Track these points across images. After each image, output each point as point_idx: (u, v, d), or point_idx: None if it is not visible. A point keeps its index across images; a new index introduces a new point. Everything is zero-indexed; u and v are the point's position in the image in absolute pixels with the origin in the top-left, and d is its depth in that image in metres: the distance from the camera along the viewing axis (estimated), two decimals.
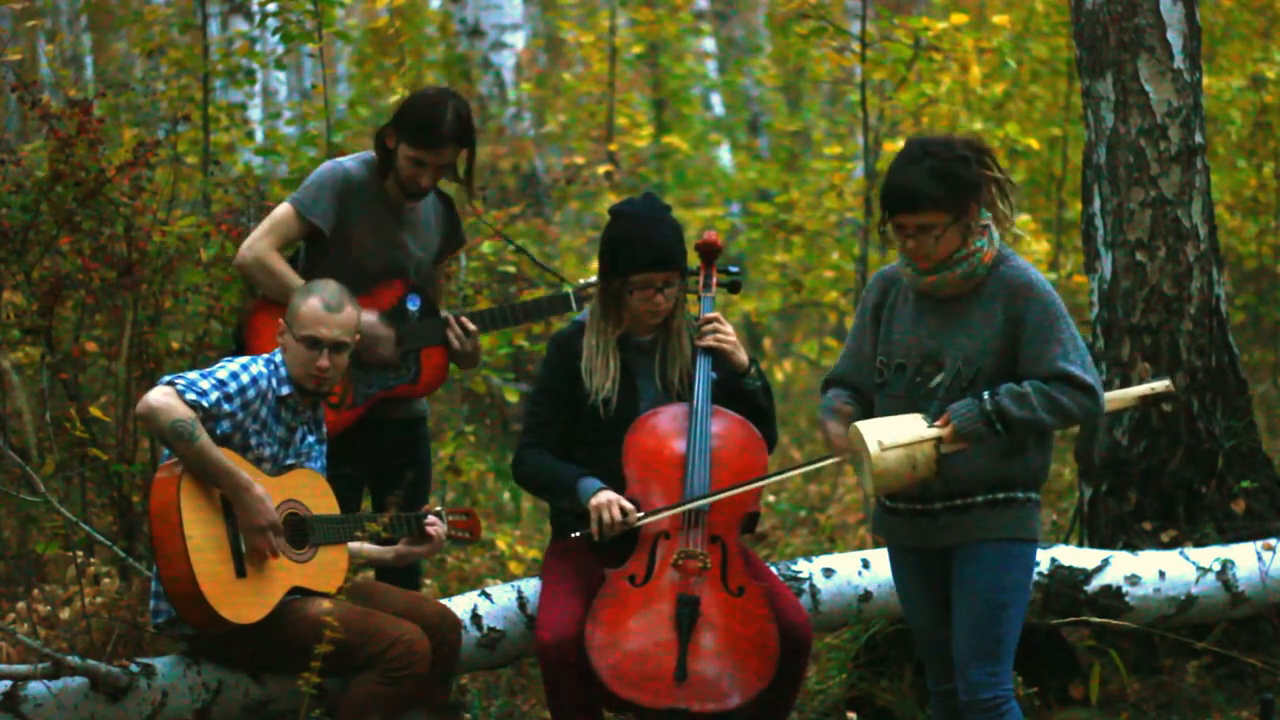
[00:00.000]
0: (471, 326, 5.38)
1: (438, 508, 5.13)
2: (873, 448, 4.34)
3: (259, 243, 5.27)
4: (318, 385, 4.87)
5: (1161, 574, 5.71)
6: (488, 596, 5.29)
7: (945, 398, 4.42)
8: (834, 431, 4.56)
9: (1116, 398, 4.93)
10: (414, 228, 5.43)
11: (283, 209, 5.33)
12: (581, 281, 5.52)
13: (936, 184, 4.33)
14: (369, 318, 5.25)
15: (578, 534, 4.95)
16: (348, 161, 5.39)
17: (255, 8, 9.04)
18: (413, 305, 5.39)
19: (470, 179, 5.43)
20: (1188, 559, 5.75)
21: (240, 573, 4.66)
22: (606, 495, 4.92)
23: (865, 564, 5.58)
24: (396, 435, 5.43)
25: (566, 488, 4.99)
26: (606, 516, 4.88)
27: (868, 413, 4.59)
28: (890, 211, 4.39)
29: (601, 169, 10.99)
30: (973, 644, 4.43)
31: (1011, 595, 4.44)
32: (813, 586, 5.50)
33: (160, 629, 4.89)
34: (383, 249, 5.35)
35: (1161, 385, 4.85)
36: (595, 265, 5.24)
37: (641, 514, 4.91)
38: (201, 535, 4.62)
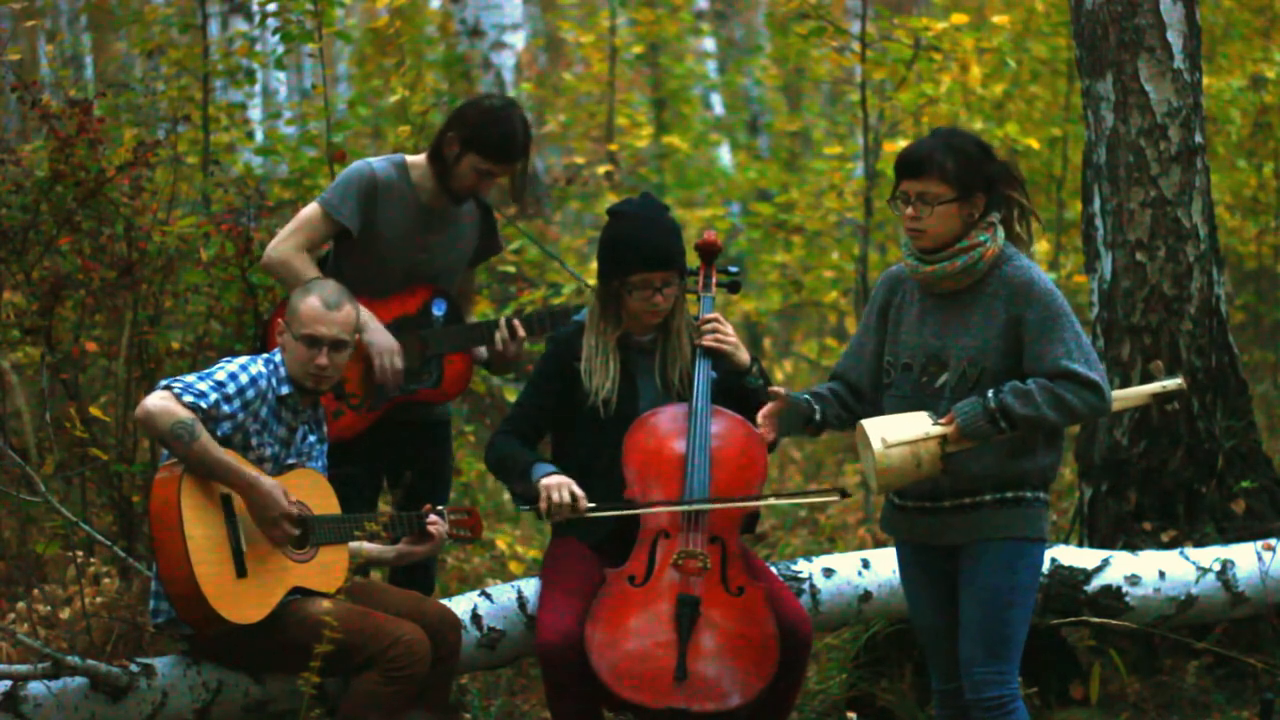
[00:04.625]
0: (521, 332, 5.38)
1: (439, 506, 5.13)
2: (877, 445, 4.35)
3: (285, 242, 5.27)
4: (317, 384, 4.87)
5: (1161, 574, 5.71)
6: (488, 596, 5.29)
7: (951, 397, 4.43)
8: (762, 412, 4.62)
9: (1129, 395, 4.94)
10: (444, 231, 5.42)
11: (310, 209, 5.33)
12: None
13: (947, 155, 4.40)
14: (381, 336, 5.23)
15: (524, 508, 4.99)
16: (376, 162, 5.38)
17: (255, 8, 9.04)
18: (438, 310, 5.39)
19: (523, 185, 5.43)
20: (1188, 559, 5.75)
21: (241, 573, 4.66)
22: (559, 478, 4.93)
23: (865, 564, 5.58)
24: (417, 438, 5.42)
25: (523, 470, 5.01)
26: (556, 497, 4.90)
27: (850, 408, 4.63)
28: (898, 177, 4.46)
29: (601, 169, 10.99)
30: (979, 642, 4.43)
31: (1018, 594, 4.45)
32: (813, 586, 5.50)
33: (160, 629, 4.89)
34: (409, 251, 5.35)
35: (1174, 384, 4.86)
36: (595, 265, 5.24)
37: (591, 505, 4.93)
38: (202, 535, 4.62)
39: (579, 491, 4.92)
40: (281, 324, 4.91)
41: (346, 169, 5.42)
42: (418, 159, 5.41)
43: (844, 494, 4.96)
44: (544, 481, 4.94)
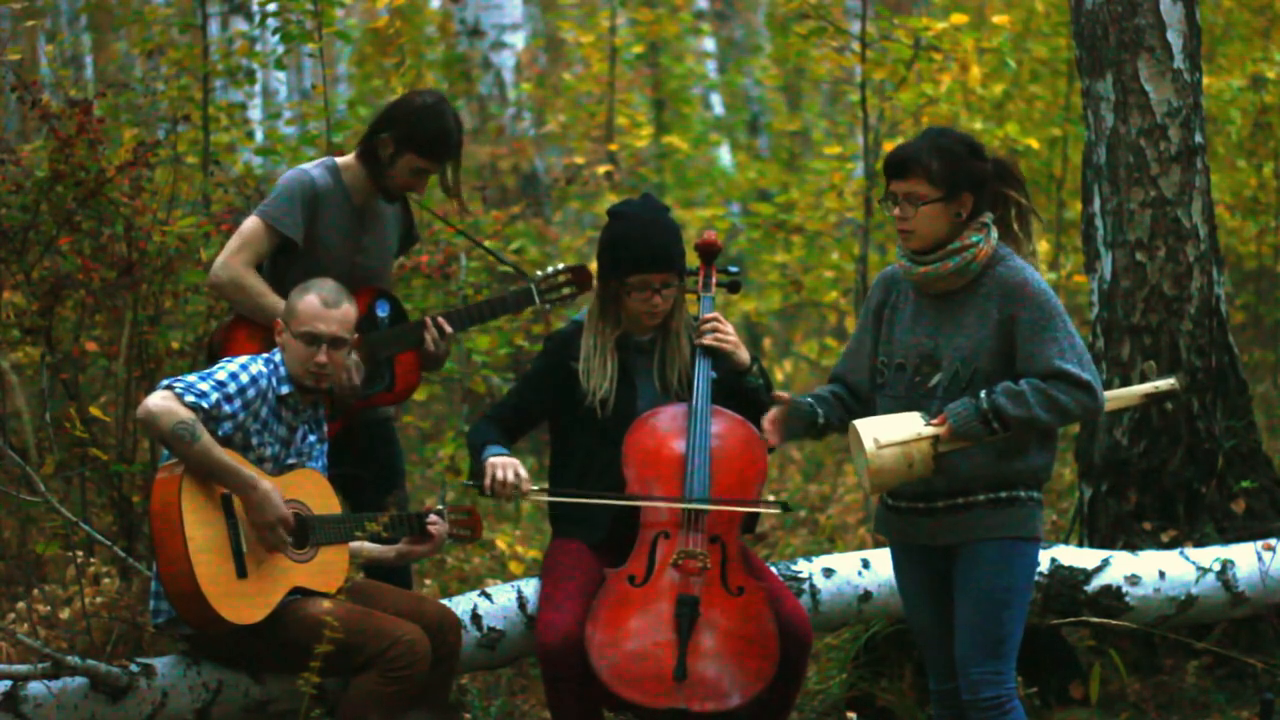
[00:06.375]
0: (448, 329, 5.36)
1: (439, 506, 5.13)
2: (869, 445, 4.35)
3: (232, 260, 5.17)
4: (317, 382, 4.87)
5: (1161, 574, 5.71)
6: (488, 596, 5.29)
7: (944, 398, 4.43)
8: (766, 419, 4.64)
9: (1121, 396, 4.94)
10: (375, 230, 5.39)
11: (252, 224, 5.22)
12: (539, 274, 5.51)
13: (931, 156, 4.40)
14: None
15: (469, 483, 5.02)
16: (312, 170, 5.31)
17: (255, 8, 9.04)
18: (382, 312, 5.36)
19: (457, 180, 5.41)
20: (1188, 559, 5.75)
21: (241, 573, 4.66)
22: (506, 458, 4.95)
23: (865, 564, 5.58)
24: (364, 438, 5.40)
25: (476, 450, 5.04)
26: (500, 475, 4.91)
27: (850, 409, 4.64)
28: (886, 178, 4.48)
29: (601, 169, 10.99)
30: (975, 643, 4.43)
31: (1013, 594, 4.45)
32: (813, 586, 5.51)
33: (160, 629, 4.89)
34: (348, 255, 5.31)
35: (1166, 384, 4.87)
36: (593, 265, 5.25)
37: (536, 488, 4.97)
38: (202, 536, 4.62)
39: (524, 473, 4.94)
40: (279, 324, 4.91)
41: (284, 178, 5.33)
42: (347, 160, 5.34)
43: (786, 508, 5.02)
44: (490, 460, 4.95)
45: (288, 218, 5.21)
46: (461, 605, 5.23)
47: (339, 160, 5.37)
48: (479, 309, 5.51)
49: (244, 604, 4.65)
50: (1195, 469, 6.12)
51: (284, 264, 5.26)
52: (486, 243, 7.50)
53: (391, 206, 5.43)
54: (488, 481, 4.92)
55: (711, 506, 4.93)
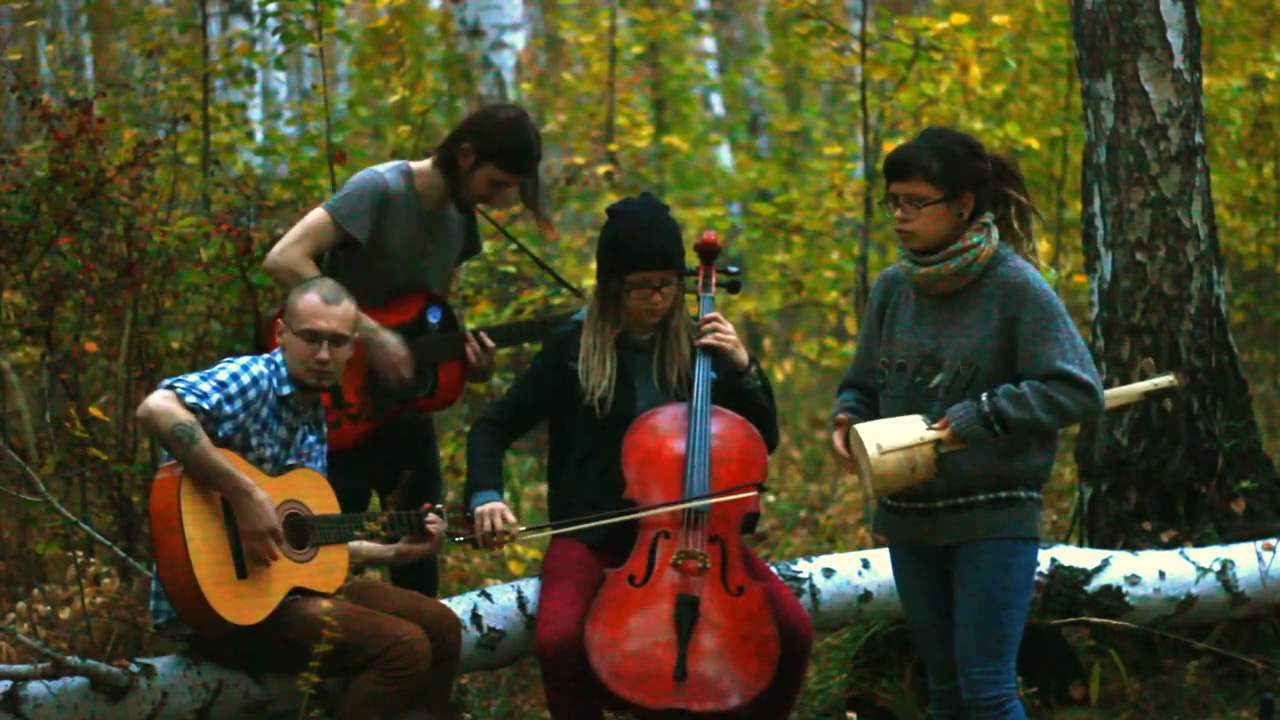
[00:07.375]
0: (490, 343, 5.38)
1: (438, 505, 5.13)
2: (871, 451, 4.34)
3: (292, 249, 5.19)
4: (319, 380, 4.86)
5: (1161, 574, 5.71)
6: (488, 596, 5.29)
7: (945, 398, 4.43)
8: (836, 445, 4.59)
9: (1120, 394, 4.94)
10: (441, 237, 5.42)
11: (319, 216, 5.24)
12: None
13: (932, 157, 4.39)
14: (391, 339, 5.23)
15: (460, 539, 5.05)
16: (386, 173, 5.32)
17: (255, 8, 9.04)
18: (433, 318, 5.37)
19: (535, 194, 5.43)
20: (1188, 559, 5.75)
21: (241, 573, 4.66)
22: (491, 505, 4.97)
23: (865, 564, 5.57)
24: (402, 439, 5.42)
25: (469, 488, 5.07)
26: (486, 525, 4.95)
27: (874, 417, 4.61)
28: (886, 179, 4.47)
29: (601, 169, 10.99)
30: (975, 643, 4.43)
31: (1013, 594, 4.44)
32: (813, 586, 5.50)
33: (160, 629, 4.89)
34: (412, 260, 5.34)
35: (1165, 381, 4.87)
36: (594, 265, 5.25)
37: (523, 528, 5.00)
38: (202, 536, 4.61)
39: (511, 517, 4.97)
40: (281, 324, 4.91)
41: (357, 178, 5.34)
42: (422, 166, 5.36)
43: (761, 488, 5.05)
44: (478, 510, 4.99)
45: (355, 217, 5.22)
46: (461, 605, 5.22)
47: (413, 165, 5.37)
48: (529, 326, 5.56)
49: (244, 604, 4.65)
50: (1195, 469, 6.12)
51: (346, 261, 5.28)
52: (487, 245, 7.50)
53: (457, 214, 5.45)
54: (478, 537, 4.96)
55: (696, 502, 4.92)
